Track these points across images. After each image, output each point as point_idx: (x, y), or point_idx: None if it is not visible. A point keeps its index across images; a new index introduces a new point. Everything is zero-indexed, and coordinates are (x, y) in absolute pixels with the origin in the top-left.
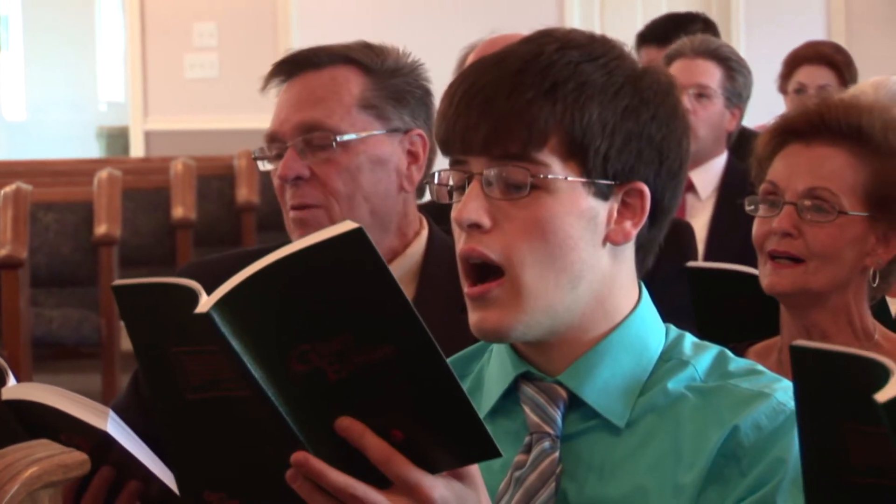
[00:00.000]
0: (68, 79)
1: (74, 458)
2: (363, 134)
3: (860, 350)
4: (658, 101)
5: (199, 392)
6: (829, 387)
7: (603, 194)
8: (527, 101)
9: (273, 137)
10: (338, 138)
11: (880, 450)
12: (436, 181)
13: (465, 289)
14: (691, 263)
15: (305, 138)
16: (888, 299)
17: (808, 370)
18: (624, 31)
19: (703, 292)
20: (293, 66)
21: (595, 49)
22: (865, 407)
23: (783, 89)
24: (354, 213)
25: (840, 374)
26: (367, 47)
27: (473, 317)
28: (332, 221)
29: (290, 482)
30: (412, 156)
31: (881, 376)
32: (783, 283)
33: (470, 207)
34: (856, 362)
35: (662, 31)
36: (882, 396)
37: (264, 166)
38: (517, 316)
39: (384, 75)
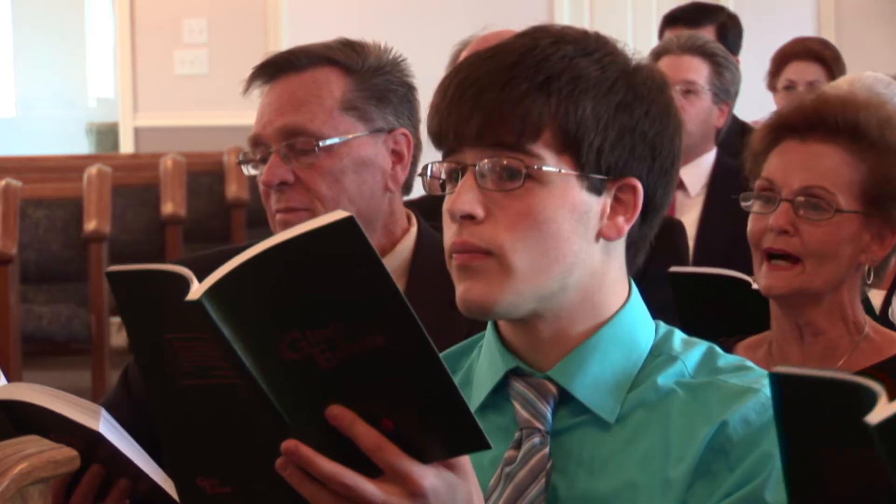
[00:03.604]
0: (58, 75)
1: (64, 454)
2: (346, 137)
3: (844, 373)
4: (651, 98)
5: (192, 378)
6: (812, 411)
7: (596, 189)
8: (521, 93)
9: (256, 141)
10: (320, 143)
11: (867, 471)
12: (428, 173)
13: (454, 259)
14: (674, 268)
15: (288, 143)
16: (871, 292)
17: (789, 394)
18: (614, 30)
19: (685, 296)
20: (274, 69)
21: (589, 44)
22: (851, 430)
23: (772, 86)
24: None
25: (824, 399)
26: (347, 46)
27: (460, 288)
28: None
29: (280, 470)
30: (396, 155)
31: (869, 399)
32: (781, 286)
33: (463, 199)
34: (841, 386)
35: (691, 14)
36: (874, 418)
37: (249, 171)
38: (503, 292)
39: (366, 74)
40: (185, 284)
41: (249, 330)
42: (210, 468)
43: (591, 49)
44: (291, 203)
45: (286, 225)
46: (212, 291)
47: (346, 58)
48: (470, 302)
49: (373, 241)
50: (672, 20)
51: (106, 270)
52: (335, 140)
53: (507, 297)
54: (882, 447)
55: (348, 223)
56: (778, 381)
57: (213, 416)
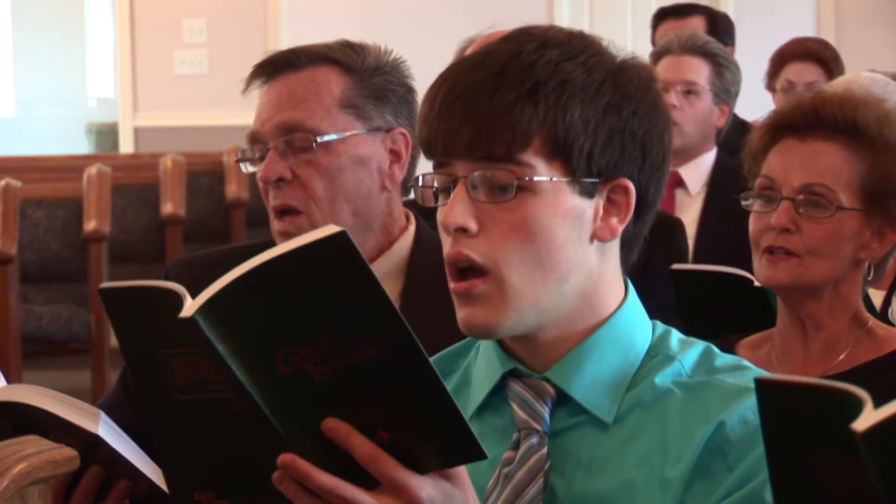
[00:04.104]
0: (58, 75)
1: (64, 454)
2: (344, 134)
3: (828, 381)
4: (639, 97)
5: (187, 394)
6: (796, 418)
7: (588, 192)
8: (508, 102)
9: (254, 138)
10: (318, 139)
11: (853, 478)
12: (420, 184)
13: (451, 285)
14: (676, 266)
15: (286, 140)
16: (871, 291)
17: (774, 402)
18: (614, 30)
19: (687, 293)
20: (273, 68)
21: (574, 46)
22: (837, 437)
23: (771, 87)
24: (337, 215)
25: (809, 406)
26: (347, 46)
27: (461, 313)
28: (314, 226)
29: (277, 484)
30: (395, 154)
31: (854, 406)
32: (780, 276)
33: (455, 211)
34: (826, 394)
35: (681, 7)
36: (860, 426)
37: (247, 168)
38: (504, 313)
39: (365, 74)
40: (178, 301)
41: (243, 345)
42: (207, 482)
43: (577, 51)
44: (288, 200)
45: (285, 236)
46: (205, 308)
47: (346, 57)
48: (473, 326)
49: (370, 241)
50: (662, 15)
51: (99, 287)
52: (333, 136)
53: (508, 316)
54: (868, 454)
55: (341, 237)
56: (760, 389)
57: (210, 430)
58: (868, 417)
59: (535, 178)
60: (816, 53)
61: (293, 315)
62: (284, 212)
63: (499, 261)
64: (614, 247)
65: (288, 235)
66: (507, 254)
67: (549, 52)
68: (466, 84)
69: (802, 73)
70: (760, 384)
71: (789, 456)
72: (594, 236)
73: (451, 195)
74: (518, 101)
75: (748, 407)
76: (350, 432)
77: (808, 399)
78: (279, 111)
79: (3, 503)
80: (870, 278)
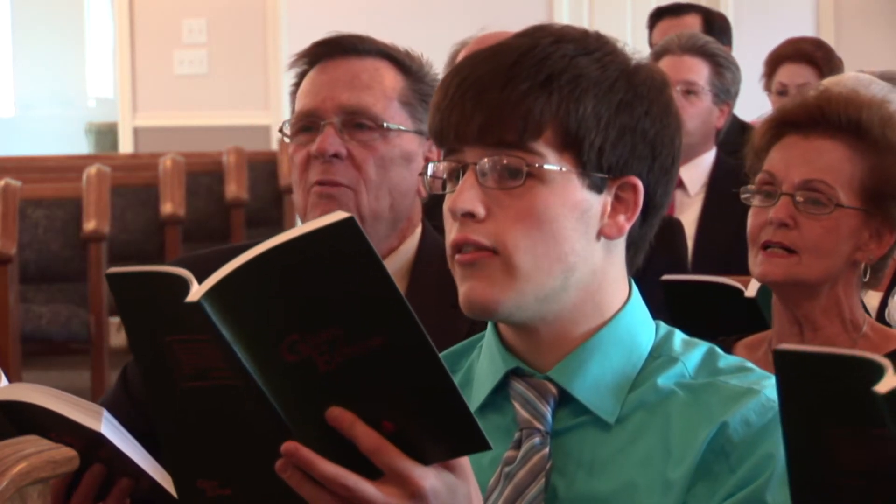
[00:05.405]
0: (57, 75)
1: (63, 454)
2: (402, 127)
3: (849, 350)
4: (652, 97)
5: (192, 380)
6: (815, 389)
7: (597, 187)
8: (522, 92)
9: (309, 114)
10: (384, 125)
11: (870, 451)
12: (429, 172)
13: (456, 258)
14: (666, 277)
15: (347, 119)
16: (869, 294)
17: (793, 372)
18: (613, 30)
19: (678, 304)
20: (335, 48)
21: (589, 43)
22: (855, 408)
23: (768, 88)
24: (379, 203)
25: (828, 376)
26: (399, 49)
27: (463, 287)
28: (358, 206)
29: (280, 472)
30: (428, 162)
31: (875, 373)
32: (776, 273)
33: (464, 197)
34: (845, 362)
35: (677, 6)
36: (882, 388)
37: (286, 140)
38: (507, 293)
39: (416, 78)
40: (184, 286)
41: (249, 332)
42: (210, 470)
43: (592, 48)
44: (338, 177)
45: (327, 198)
46: (212, 293)
47: (404, 58)
48: (473, 302)
49: (391, 239)
50: (658, 15)
51: (105, 272)
52: (395, 126)
53: (510, 296)
54: (890, 417)
55: (349, 224)
56: (780, 359)
57: (214, 417)
58: (890, 381)
59: (546, 167)
60: (809, 54)
61: (301, 302)
62: (328, 184)
63: (507, 243)
64: (620, 246)
65: (330, 199)
66: (515, 238)
67: (565, 46)
68: (480, 74)
69: (794, 76)
70: (780, 354)
71: (806, 430)
72: (601, 233)
73: (460, 181)
74: (532, 90)
75: (751, 408)
76: (354, 421)
77: (829, 368)
78: (343, 91)
79: (3, 503)
80: (865, 279)
